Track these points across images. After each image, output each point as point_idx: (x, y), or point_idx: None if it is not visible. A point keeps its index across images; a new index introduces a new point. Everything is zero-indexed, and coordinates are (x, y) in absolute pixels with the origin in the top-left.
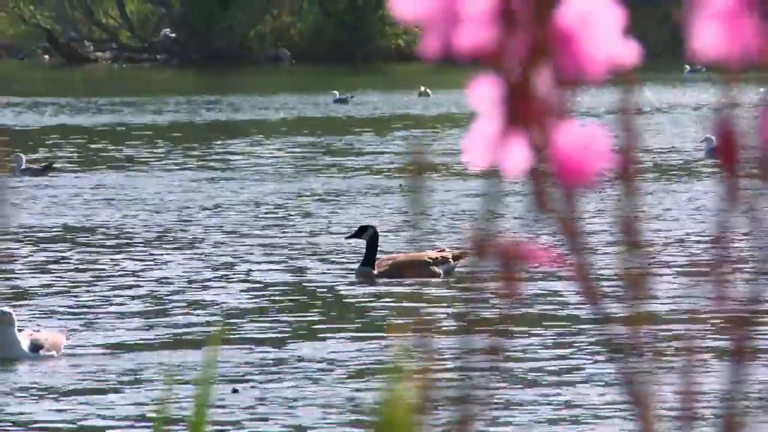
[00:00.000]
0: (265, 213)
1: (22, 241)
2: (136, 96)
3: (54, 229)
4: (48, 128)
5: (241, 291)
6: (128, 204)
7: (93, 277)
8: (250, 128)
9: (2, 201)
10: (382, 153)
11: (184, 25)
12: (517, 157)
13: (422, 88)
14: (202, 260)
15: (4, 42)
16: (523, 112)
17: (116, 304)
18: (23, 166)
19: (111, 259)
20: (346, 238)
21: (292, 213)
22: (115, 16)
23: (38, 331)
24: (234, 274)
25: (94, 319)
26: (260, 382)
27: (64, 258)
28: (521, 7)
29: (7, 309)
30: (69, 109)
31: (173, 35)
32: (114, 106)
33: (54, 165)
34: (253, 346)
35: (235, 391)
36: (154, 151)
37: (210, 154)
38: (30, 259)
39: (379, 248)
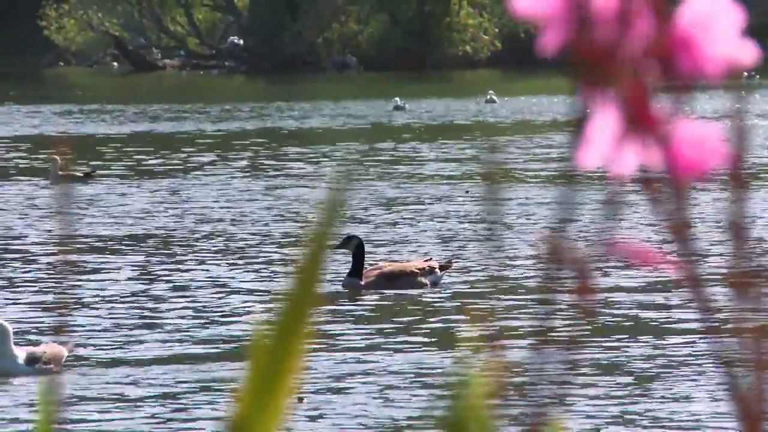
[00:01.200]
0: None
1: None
2: (203, 103)
3: (109, 238)
4: (112, 136)
5: None
6: (183, 212)
7: (145, 285)
8: (314, 135)
9: (66, 208)
10: (445, 160)
11: (251, 32)
12: (630, 158)
13: (489, 95)
14: (262, 268)
15: (72, 49)
16: (637, 113)
17: (169, 315)
18: (61, 173)
19: (165, 268)
20: (332, 248)
21: (353, 221)
22: (183, 24)
23: (38, 344)
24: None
25: (138, 329)
26: (327, 391)
27: (121, 266)
28: (639, 7)
29: (1, 321)
30: (135, 116)
31: (241, 42)
32: (180, 114)
33: (94, 173)
34: (319, 354)
35: (300, 399)
36: (214, 158)
37: (273, 161)
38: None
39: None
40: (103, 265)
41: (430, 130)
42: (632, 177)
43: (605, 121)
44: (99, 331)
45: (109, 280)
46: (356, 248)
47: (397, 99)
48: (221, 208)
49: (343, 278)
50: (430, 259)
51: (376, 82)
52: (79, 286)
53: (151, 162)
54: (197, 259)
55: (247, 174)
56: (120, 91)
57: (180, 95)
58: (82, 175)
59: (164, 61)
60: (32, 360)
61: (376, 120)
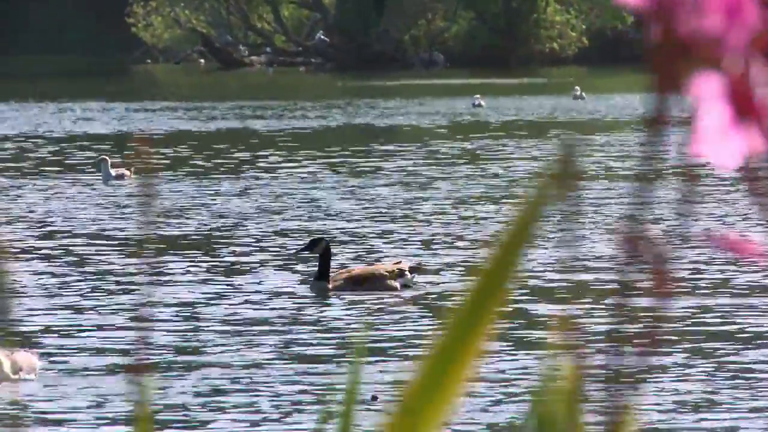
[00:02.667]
0: (403, 219)
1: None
2: (289, 100)
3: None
4: (197, 133)
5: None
6: (270, 210)
7: (211, 293)
8: (397, 132)
9: (148, 204)
10: (525, 158)
11: (338, 29)
12: (739, 150)
13: (576, 92)
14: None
15: (159, 46)
16: (743, 104)
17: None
18: (113, 172)
19: (224, 270)
20: (297, 251)
21: (425, 220)
22: (270, 21)
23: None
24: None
25: (199, 331)
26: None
27: (209, 262)
28: None
29: None
30: (222, 113)
31: (327, 39)
32: (267, 111)
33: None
34: (392, 354)
35: (374, 398)
36: (300, 155)
37: (359, 158)
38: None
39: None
40: (188, 266)
41: (508, 127)
42: (738, 170)
43: (711, 114)
44: (174, 332)
45: (194, 282)
46: (323, 251)
47: (477, 96)
48: (308, 204)
49: (310, 282)
50: (400, 261)
51: (462, 79)
52: (156, 286)
53: (236, 158)
54: (286, 256)
55: (333, 171)
56: (206, 88)
57: (266, 92)
58: (131, 173)
59: (251, 58)
60: (14, 369)
61: (457, 118)
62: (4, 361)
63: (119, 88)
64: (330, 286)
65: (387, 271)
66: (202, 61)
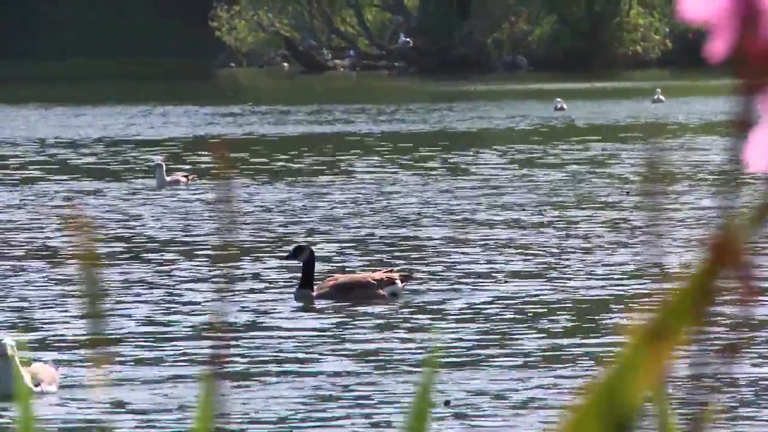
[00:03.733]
0: (481, 224)
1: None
2: (372, 104)
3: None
4: (280, 136)
5: (491, 299)
6: (351, 213)
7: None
8: (479, 136)
9: (230, 207)
10: (607, 162)
11: (421, 32)
12: None
13: (657, 95)
14: (441, 264)
15: (243, 49)
16: None
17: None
18: (167, 177)
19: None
20: (282, 259)
21: (503, 225)
22: (353, 24)
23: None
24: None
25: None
26: (475, 394)
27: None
28: None
29: (6, 340)
30: (306, 117)
31: (410, 42)
32: (351, 114)
33: (191, 176)
34: (470, 358)
35: (447, 403)
36: (383, 159)
37: (441, 162)
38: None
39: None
40: (261, 271)
41: (589, 131)
42: None
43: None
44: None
45: (270, 289)
46: (307, 258)
47: (559, 100)
48: (387, 208)
49: (294, 291)
50: (391, 270)
51: (544, 83)
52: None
53: (321, 162)
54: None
55: (416, 175)
56: (289, 92)
57: (350, 96)
58: (185, 178)
59: (334, 61)
60: (35, 382)
61: (538, 121)
62: (24, 374)
63: (203, 91)
64: (314, 293)
65: (375, 280)
66: (286, 64)
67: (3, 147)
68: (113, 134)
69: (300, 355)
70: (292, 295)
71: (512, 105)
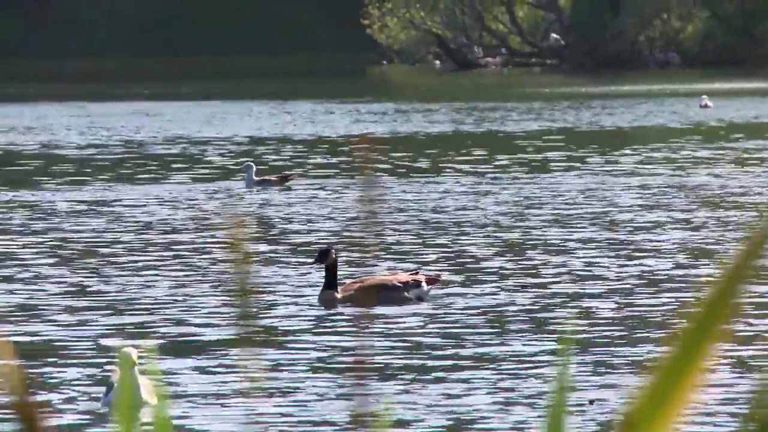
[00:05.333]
0: (631, 221)
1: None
2: (525, 101)
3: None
4: (432, 134)
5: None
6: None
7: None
8: (628, 133)
9: (374, 197)
10: (741, 162)
11: (573, 30)
12: None
13: None
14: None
15: (395, 47)
16: None
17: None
18: (256, 177)
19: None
20: (312, 263)
21: (641, 223)
22: (505, 22)
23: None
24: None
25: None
26: (618, 392)
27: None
28: None
29: (128, 349)
30: (458, 114)
31: (562, 40)
32: (504, 112)
33: (290, 175)
34: (612, 351)
35: (591, 402)
36: (539, 155)
37: (597, 158)
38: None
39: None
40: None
41: (732, 129)
42: None
43: None
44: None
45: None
46: (331, 261)
47: (704, 97)
48: (566, 205)
49: (318, 292)
50: (417, 272)
51: (693, 81)
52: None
53: (474, 159)
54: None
55: (570, 172)
56: (441, 89)
57: (502, 93)
58: (277, 179)
59: (486, 59)
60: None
61: (680, 119)
62: (142, 386)
63: (354, 89)
64: (339, 296)
65: (401, 282)
66: (437, 62)
67: (169, 142)
68: (279, 132)
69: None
70: (316, 298)
71: (659, 102)
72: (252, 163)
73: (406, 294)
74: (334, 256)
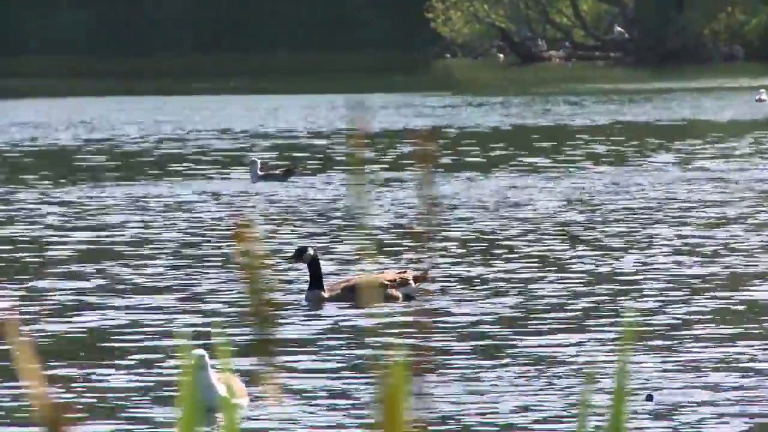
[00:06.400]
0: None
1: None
2: (586, 95)
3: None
4: (496, 128)
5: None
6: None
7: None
8: (688, 127)
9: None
10: None
11: (637, 23)
12: None
13: None
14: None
15: (459, 40)
16: None
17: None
18: (260, 172)
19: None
20: (287, 261)
21: (704, 217)
22: (569, 15)
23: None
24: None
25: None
26: (677, 389)
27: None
28: None
29: (200, 351)
30: (522, 108)
31: (625, 33)
32: (570, 105)
33: (295, 170)
34: (668, 352)
35: (649, 398)
36: (604, 149)
37: (662, 152)
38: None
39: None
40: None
41: None
42: None
43: None
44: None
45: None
46: (310, 260)
47: (762, 91)
48: (655, 199)
49: (305, 292)
50: (405, 270)
51: (757, 74)
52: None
53: (540, 154)
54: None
55: (633, 167)
56: (505, 82)
57: (566, 86)
58: (280, 173)
59: (549, 52)
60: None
61: (734, 113)
62: (220, 387)
63: (418, 82)
64: (326, 294)
65: (388, 281)
66: (501, 55)
67: (235, 134)
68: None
69: None
70: (303, 298)
71: (716, 95)
72: (256, 159)
73: (394, 292)
74: (312, 253)
